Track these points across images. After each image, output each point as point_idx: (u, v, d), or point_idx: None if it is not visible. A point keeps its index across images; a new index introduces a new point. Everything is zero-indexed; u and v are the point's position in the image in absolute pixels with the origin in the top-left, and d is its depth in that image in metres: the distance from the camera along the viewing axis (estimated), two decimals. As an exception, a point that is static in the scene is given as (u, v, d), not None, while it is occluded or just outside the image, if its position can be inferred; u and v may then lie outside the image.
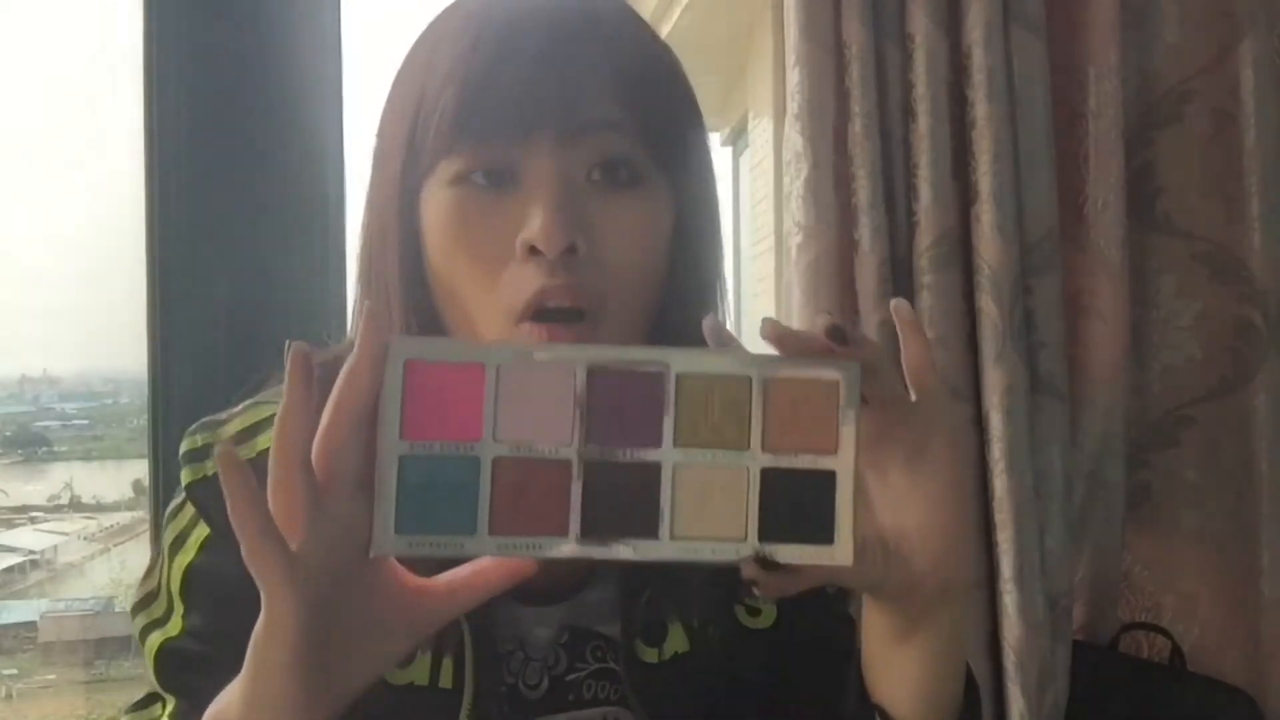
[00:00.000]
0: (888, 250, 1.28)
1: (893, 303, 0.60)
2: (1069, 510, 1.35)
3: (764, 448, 0.55)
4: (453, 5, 0.69)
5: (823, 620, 0.75)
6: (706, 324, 0.58)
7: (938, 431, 0.59)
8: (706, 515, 0.55)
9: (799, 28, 1.29)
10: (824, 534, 0.56)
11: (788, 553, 0.56)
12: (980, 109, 1.28)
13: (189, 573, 0.68)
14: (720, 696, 0.65)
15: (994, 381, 1.28)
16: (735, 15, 3.71)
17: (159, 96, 1.24)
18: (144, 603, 0.70)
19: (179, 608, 0.68)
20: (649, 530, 0.54)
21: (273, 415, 0.63)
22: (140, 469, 1.30)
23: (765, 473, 0.55)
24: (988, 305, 1.28)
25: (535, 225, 0.61)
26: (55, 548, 2.28)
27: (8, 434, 2.22)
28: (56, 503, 2.27)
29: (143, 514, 1.53)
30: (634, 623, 0.69)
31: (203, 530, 0.68)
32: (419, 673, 0.67)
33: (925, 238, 1.29)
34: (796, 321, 1.30)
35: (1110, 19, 1.34)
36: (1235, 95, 1.39)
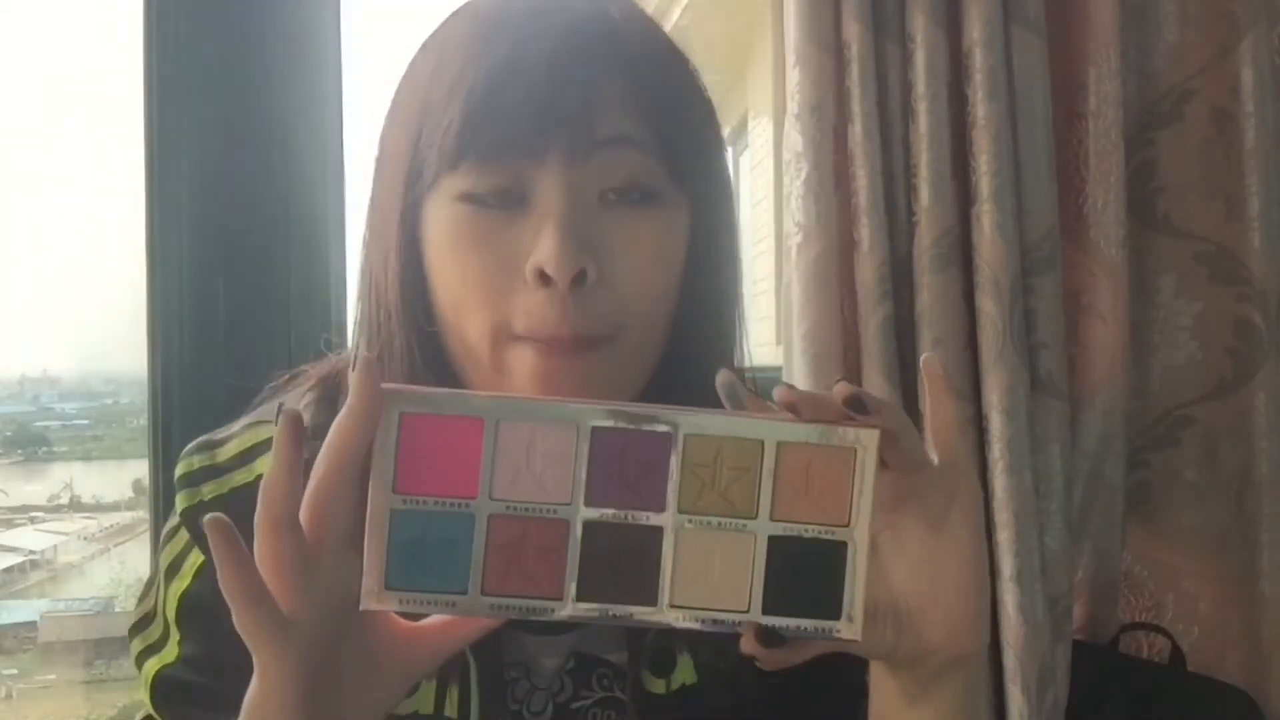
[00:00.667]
0: (888, 250, 1.28)
1: (924, 359, 0.58)
2: (1069, 510, 1.35)
3: (773, 516, 0.53)
4: (461, 9, 0.67)
5: (834, 656, 0.74)
6: (720, 380, 0.55)
7: (959, 498, 0.57)
8: (708, 584, 0.53)
9: (799, 28, 1.29)
10: (832, 607, 0.54)
11: (792, 626, 0.54)
12: (980, 109, 1.28)
13: (184, 600, 0.67)
14: None
15: (994, 381, 1.28)
16: (735, 15, 3.70)
17: (159, 96, 1.24)
18: (141, 625, 0.69)
19: (175, 634, 0.67)
20: (648, 597, 0.52)
21: (271, 438, 0.64)
22: (140, 469, 1.30)
23: (773, 542, 0.53)
24: (988, 305, 1.28)
25: (545, 250, 0.58)
26: (55, 548, 2.28)
27: (8, 434, 2.22)
28: (56, 503, 2.27)
29: (143, 514, 1.53)
30: (642, 652, 0.67)
31: (197, 557, 0.67)
32: (424, 702, 0.66)
33: (925, 238, 1.29)
34: (796, 321, 1.30)
35: (1110, 19, 1.34)
36: (1235, 95, 1.39)
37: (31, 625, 2.21)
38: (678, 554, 0.52)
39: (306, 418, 0.66)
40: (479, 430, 0.50)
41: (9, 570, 2.27)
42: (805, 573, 0.53)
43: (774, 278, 2.93)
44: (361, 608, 0.52)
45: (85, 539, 2.30)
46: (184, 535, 0.67)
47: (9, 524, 2.25)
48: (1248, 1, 1.38)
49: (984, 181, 1.28)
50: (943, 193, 1.28)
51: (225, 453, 0.68)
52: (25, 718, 2.08)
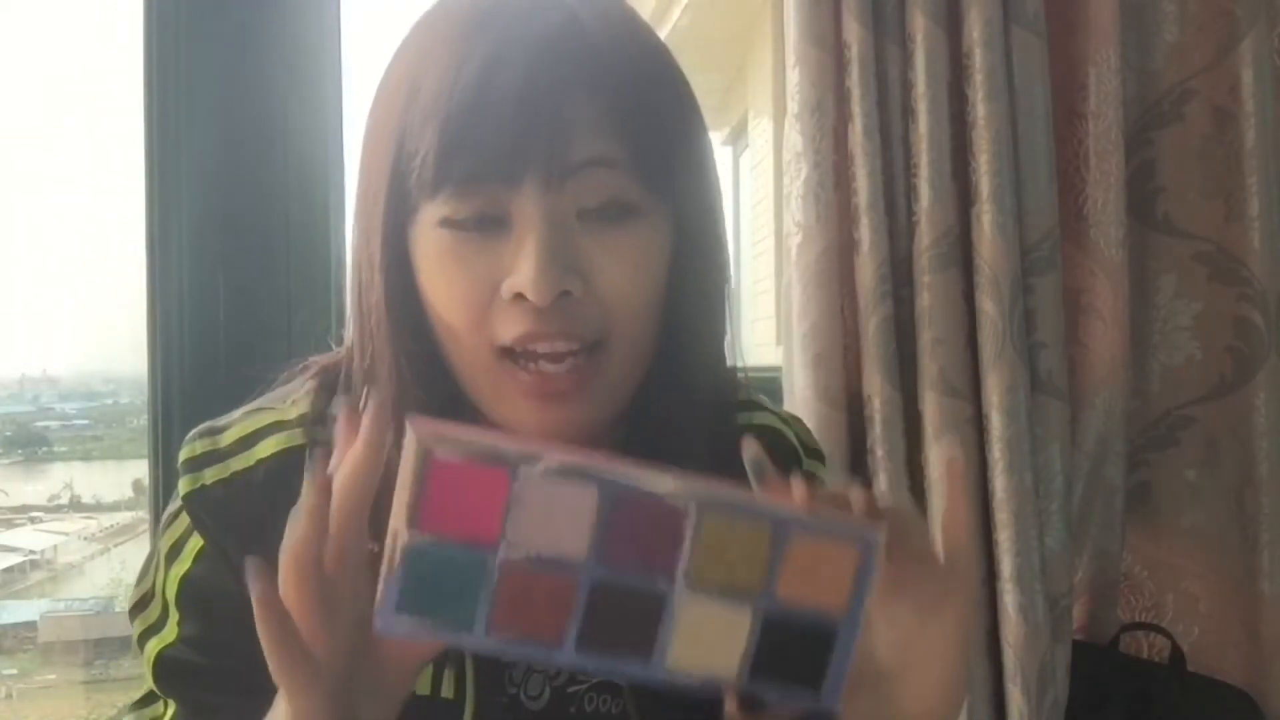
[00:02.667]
0: (888, 250, 1.28)
1: (949, 460, 0.61)
2: (1069, 510, 1.35)
3: (774, 594, 0.55)
4: (433, 18, 0.66)
5: None
6: (749, 454, 0.56)
7: (953, 595, 0.58)
8: (703, 650, 0.55)
9: (799, 28, 1.29)
10: (814, 680, 0.56)
11: (774, 692, 0.56)
12: (980, 109, 1.28)
13: (184, 583, 0.68)
14: (721, 714, 0.64)
15: (994, 381, 1.28)
16: (735, 15, 3.71)
17: (159, 96, 1.24)
18: (139, 606, 0.70)
19: (174, 615, 0.68)
20: (643, 655, 0.54)
21: (273, 421, 0.67)
22: (140, 469, 1.30)
23: (769, 617, 0.55)
24: (988, 305, 1.28)
25: (523, 275, 0.59)
26: (55, 548, 2.28)
27: (8, 434, 2.22)
28: (56, 503, 2.27)
29: (143, 514, 1.53)
30: None
31: (197, 541, 0.68)
32: (421, 683, 0.67)
33: (925, 238, 1.29)
34: (796, 321, 1.30)
35: (1110, 19, 1.34)
36: (1235, 95, 1.39)
37: (31, 625, 2.21)
38: (677, 619, 0.54)
39: (305, 405, 0.68)
40: (505, 480, 0.51)
41: (9, 570, 2.27)
42: (796, 649, 0.56)
43: (774, 278, 2.93)
44: (375, 630, 0.53)
45: (85, 539, 2.30)
46: (185, 519, 0.68)
47: (9, 524, 2.25)
48: (1248, 1, 1.38)
49: (984, 181, 1.28)
50: (943, 193, 1.28)
51: (227, 438, 0.69)
52: (25, 718, 2.08)
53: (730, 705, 0.56)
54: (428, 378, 0.64)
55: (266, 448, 0.68)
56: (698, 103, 0.69)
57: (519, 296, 0.60)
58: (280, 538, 0.56)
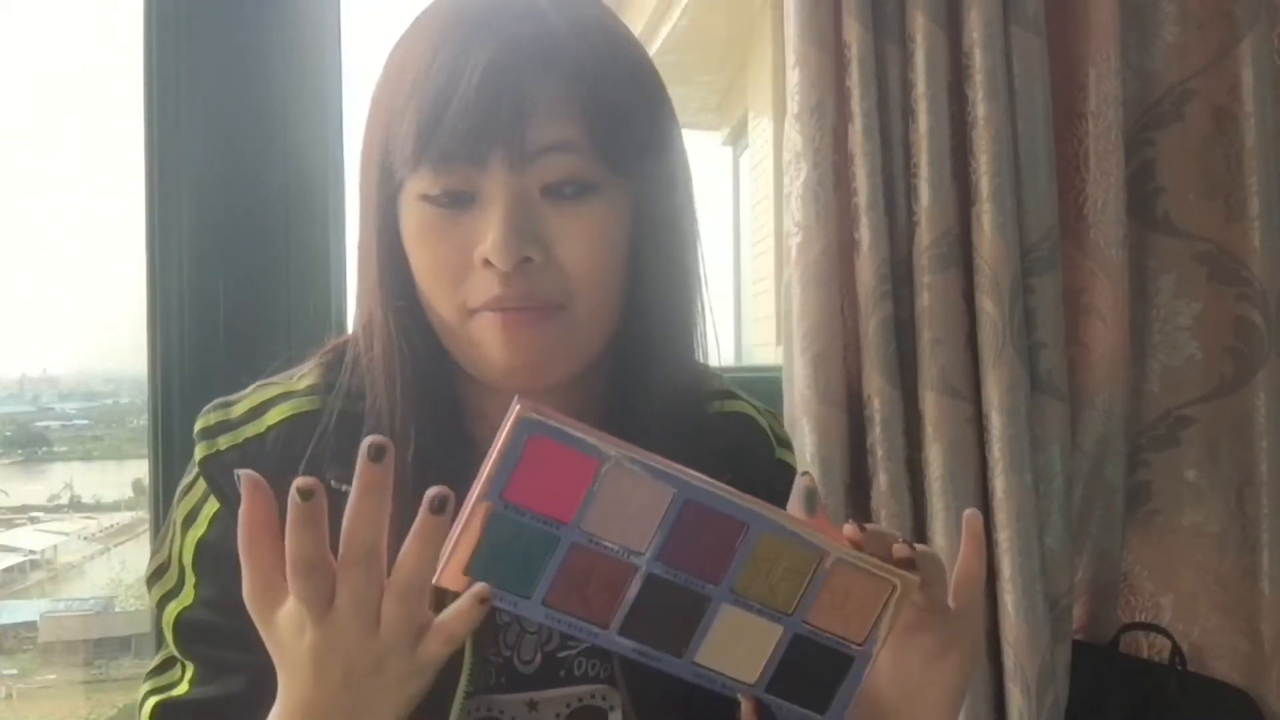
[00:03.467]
0: (888, 250, 1.28)
1: (966, 515, 0.66)
2: (1069, 510, 1.35)
3: (805, 618, 0.60)
4: (422, 18, 0.72)
5: None
6: (803, 484, 0.62)
7: (960, 644, 0.65)
8: (730, 654, 0.60)
9: (799, 28, 1.29)
10: (820, 703, 0.62)
11: (784, 705, 0.62)
12: (980, 109, 1.28)
13: (200, 547, 0.72)
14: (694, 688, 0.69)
15: (994, 381, 1.28)
16: (735, 15, 3.71)
17: (159, 96, 1.24)
18: (157, 575, 0.74)
19: (191, 579, 0.72)
20: (677, 648, 0.59)
21: (281, 392, 0.74)
22: (140, 469, 1.30)
23: (796, 638, 0.60)
24: (988, 305, 1.28)
25: (490, 243, 0.66)
26: (55, 548, 2.28)
27: (8, 434, 2.22)
28: (56, 503, 2.27)
29: (143, 514, 1.53)
30: None
31: (213, 505, 0.72)
32: None
33: (925, 238, 1.29)
34: (796, 321, 1.30)
35: (1110, 19, 1.34)
36: (1235, 95, 1.39)
37: (31, 625, 2.21)
38: (716, 624, 0.59)
39: (312, 377, 0.74)
40: (593, 470, 0.56)
41: (9, 570, 2.27)
42: (812, 670, 0.61)
43: (774, 278, 2.94)
44: (436, 582, 0.56)
45: (85, 539, 2.30)
46: (201, 485, 0.73)
47: (9, 524, 2.25)
48: (1248, 1, 1.38)
49: (984, 181, 1.28)
50: (943, 193, 1.28)
51: (238, 409, 0.74)
52: (25, 718, 2.08)
53: (746, 708, 0.61)
54: (413, 334, 0.71)
55: (275, 415, 0.73)
56: (663, 87, 0.74)
57: (487, 263, 0.67)
58: None
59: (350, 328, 0.77)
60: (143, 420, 1.28)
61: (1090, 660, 1.38)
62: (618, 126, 0.68)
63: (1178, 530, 1.43)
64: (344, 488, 0.66)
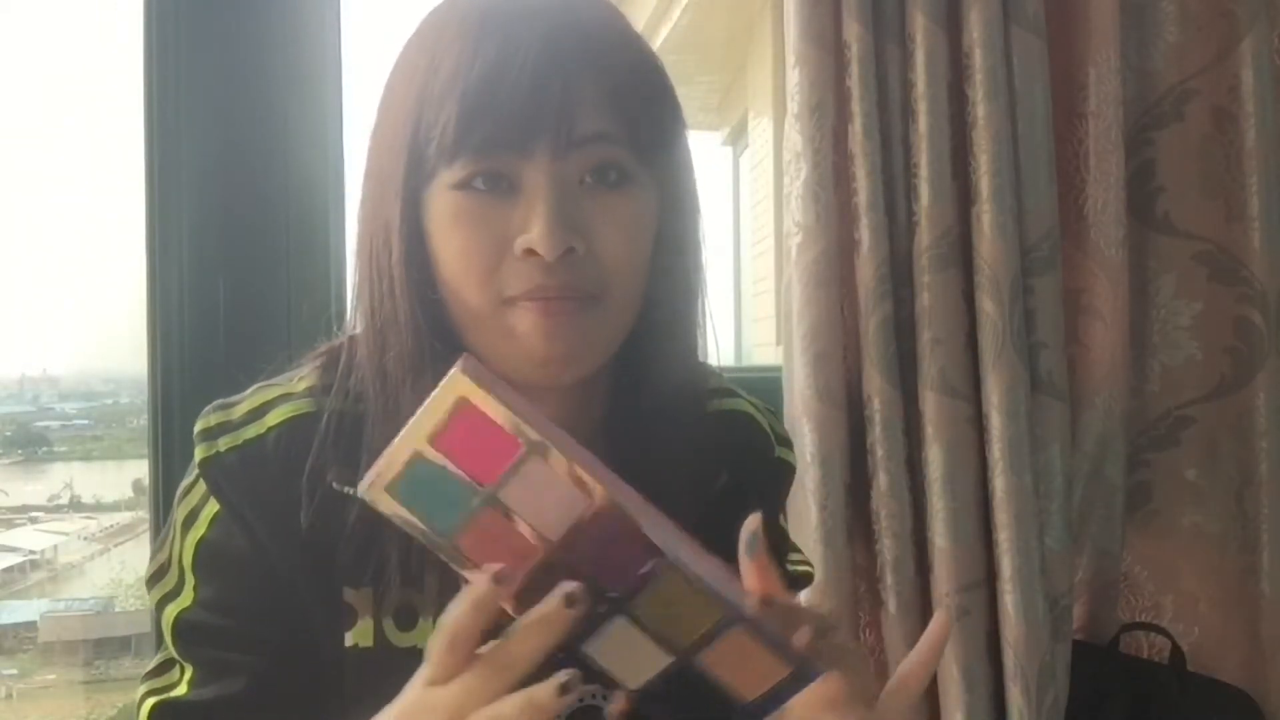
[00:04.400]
0: (888, 250, 1.28)
1: (937, 616, 0.65)
2: (1069, 510, 1.35)
3: (699, 659, 0.58)
4: (444, 14, 0.71)
5: None
6: (749, 526, 0.60)
7: None
8: (616, 659, 0.59)
9: (799, 28, 1.29)
10: None
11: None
12: (980, 109, 1.28)
13: (200, 548, 0.71)
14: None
15: (994, 381, 1.28)
16: (735, 15, 3.71)
17: (159, 96, 1.24)
18: (156, 576, 0.74)
19: (190, 580, 0.72)
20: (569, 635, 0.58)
21: (281, 394, 0.74)
22: (140, 469, 1.30)
23: (684, 670, 0.59)
24: (988, 305, 1.28)
25: (534, 232, 0.66)
26: (55, 548, 2.28)
27: (8, 434, 2.22)
28: (56, 503, 2.27)
29: (143, 514, 1.53)
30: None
31: (213, 507, 0.71)
32: (421, 636, 0.71)
33: (925, 238, 1.29)
34: (796, 321, 1.30)
35: (1110, 19, 1.34)
36: (1235, 95, 1.39)
37: (31, 625, 2.21)
38: (611, 630, 0.58)
39: (312, 379, 0.74)
40: (517, 450, 0.55)
41: (9, 570, 2.27)
42: (693, 703, 0.60)
43: (774, 278, 2.93)
44: (357, 492, 0.57)
45: (85, 539, 2.30)
46: (201, 487, 0.72)
47: (9, 524, 2.25)
48: (1248, 1, 1.38)
49: (984, 181, 1.28)
50: (943, 193, 1.28)
51: (238, 411, 0.74)
52: (25, 718, 2.08)
53: (617, 707, 0.60)
54: (439, 329, 0.70)
55: (276, 416, 0.73)
56: (674, 91, 0.75)
57: (529, 252, 0.66)
58: (291, 498, 0.67)
59: (354, 328, 0.76)
60: (143, 420, 1.28)
61: (1090, 660, 1.38)
62: (648, 121, 0.70)
63: (1178, 530, 1.43)
64: (345, 489, 0.67)
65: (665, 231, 0.73)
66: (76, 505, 2.28)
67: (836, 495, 1.30)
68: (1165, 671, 1.38)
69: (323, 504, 0.69)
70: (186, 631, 0.71)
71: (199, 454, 0.72)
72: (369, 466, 0.57)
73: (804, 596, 1.33)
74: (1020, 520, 1.28)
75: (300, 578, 0.70)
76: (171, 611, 0.72)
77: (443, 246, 0.69)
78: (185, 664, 0.72)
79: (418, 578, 0.68)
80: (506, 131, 0.66)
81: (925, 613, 1.32)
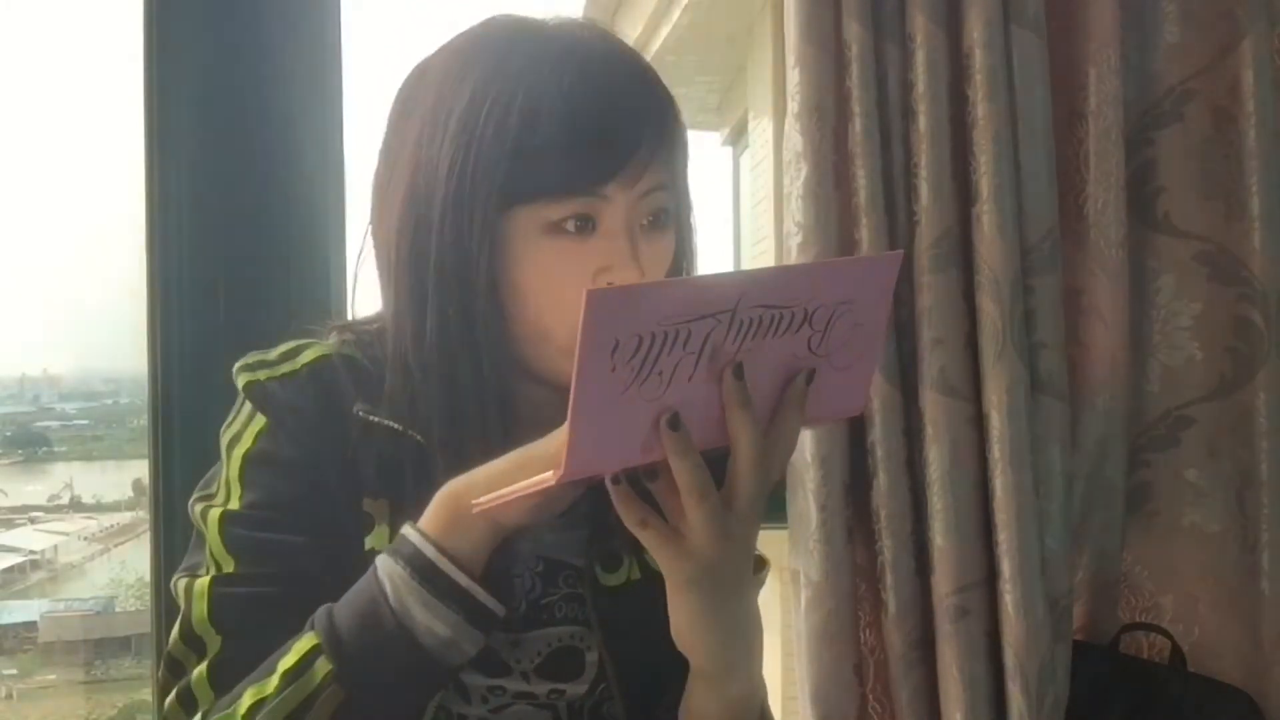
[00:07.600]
0: (888, 250, 1.28)
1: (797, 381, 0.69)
2: (1069, 510, 1.35)
3: None
4: (489, 33, 0.79)
5: None
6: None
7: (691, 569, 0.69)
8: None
9: (799, 28, 1.29)
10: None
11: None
12: (980, 109, 1.28)
13: (246, 459, 0.79)
14: (663, 620, 0.74)
15: (994, 381, 1.28)
16: (735, 15, 3.71)
17: (159, 96, 1.24)
18: (203, 497, 0.80)
19: (236, 490, 0.78)
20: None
21: (311, 343, 0.83)
22: (140, 469, 1.30)
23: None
24: (988, 305, 1.28)
25: (616, 271, 0.76)
26: (55, 548, 2.29)
27: (8, 434, 2.23)
28: (56, 503, 2.27)
29: (143, 514, 1.53)
30: (595, 556, 0.83)
31: (259, 421, 0.79)
32: None
33: (925, 238, 1.29)
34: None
35: (1110, 19, 1.34)
36: (1235, 95, 1.39)
37: (31, 625, 2.21)
38: None
39: (336, 338, 0.83)
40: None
41: (9, 570, 2.28)
42: None
43: (774, 278, 2.93)
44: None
45: (85, 539, 2.30)
46: (246, 408, 0.80)
47: (9, 524, 2.25)
48: (1248, 1, 1.38)
49: (984, 181, 1.28)
50: (943, 193, 1.28)
51: (273, 355, 0.82)
52: (25, 718, 2.08)
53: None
54: (502, 338, 0.78)
55: (307, 355, 0.81)
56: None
57: (608, 284, 0.75)
58: (324, 419, 0.77)
59: (369, 325, 0.84)
60: (143, 420, 1.28)
61: (1090, 660, 1.38)
62: (682, 170, 0.81)
63: (1178, 530, 1.43)
64: (373, 418, 0.77)
65: (676, 251, 0.82)
66: (76, 505, 2.28)
67: (836, 495, 1.29)
68: (1165, 671, 1.38)
69: (348, 427, 0.77)
70: (232, 526, 0.77)
71: (242, 380, 0.80)
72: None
73: (804, 597, 1.33)
74: (1020, 520, 1.28)
75: (333, 483, 0.77)
76: (216, 512, 0.77)
77: (530, 278, 0.76)
78: (228, 557, 0.77)
79: (427, 491, 0.74)
80: (599, 175, 0.74)
81: (925, 613, 1.32)
